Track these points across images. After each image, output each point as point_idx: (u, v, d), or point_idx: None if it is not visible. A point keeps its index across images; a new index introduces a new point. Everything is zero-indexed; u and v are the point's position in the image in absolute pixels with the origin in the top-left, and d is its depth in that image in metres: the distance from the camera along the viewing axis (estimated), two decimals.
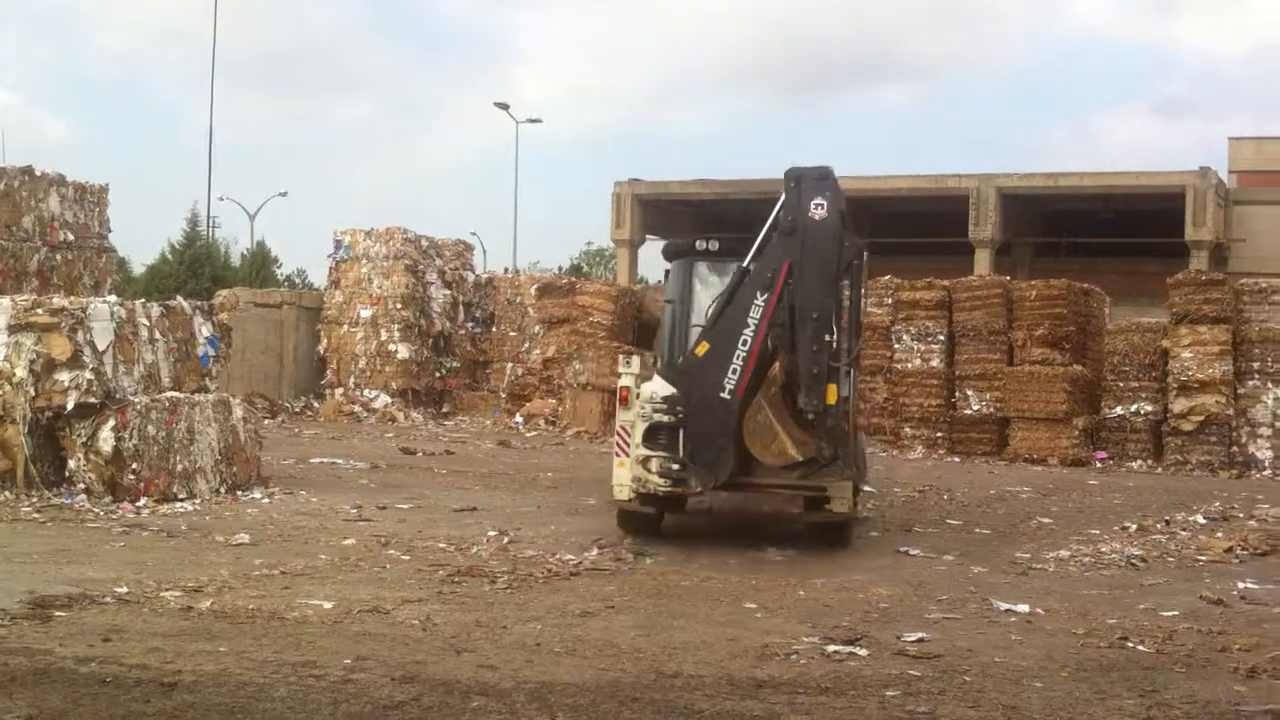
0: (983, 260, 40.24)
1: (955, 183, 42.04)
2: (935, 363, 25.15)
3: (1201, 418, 22.72)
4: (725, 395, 11.55)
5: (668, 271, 13.44)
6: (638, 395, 12.26)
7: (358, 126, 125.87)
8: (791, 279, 11.61)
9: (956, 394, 25.05)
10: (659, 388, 12.09)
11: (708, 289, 12.76)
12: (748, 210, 46.22)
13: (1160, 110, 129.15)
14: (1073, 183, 41.74)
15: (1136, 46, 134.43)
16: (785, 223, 11.86)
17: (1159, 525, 14.51)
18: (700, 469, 11.72)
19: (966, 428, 24.77)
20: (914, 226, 43.53)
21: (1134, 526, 14.31)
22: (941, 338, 25.16)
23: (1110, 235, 41.50)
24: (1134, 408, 23.64)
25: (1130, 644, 8.26)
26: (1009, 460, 23.52)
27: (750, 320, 11.66)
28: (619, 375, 12.97)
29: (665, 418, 11.98)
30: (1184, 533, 14.03)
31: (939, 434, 24.95)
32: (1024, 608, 9.35)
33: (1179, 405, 22.92)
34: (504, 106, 57.73)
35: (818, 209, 11.88)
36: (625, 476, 12.20)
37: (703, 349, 11.90)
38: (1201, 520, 15.12)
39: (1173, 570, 11.60)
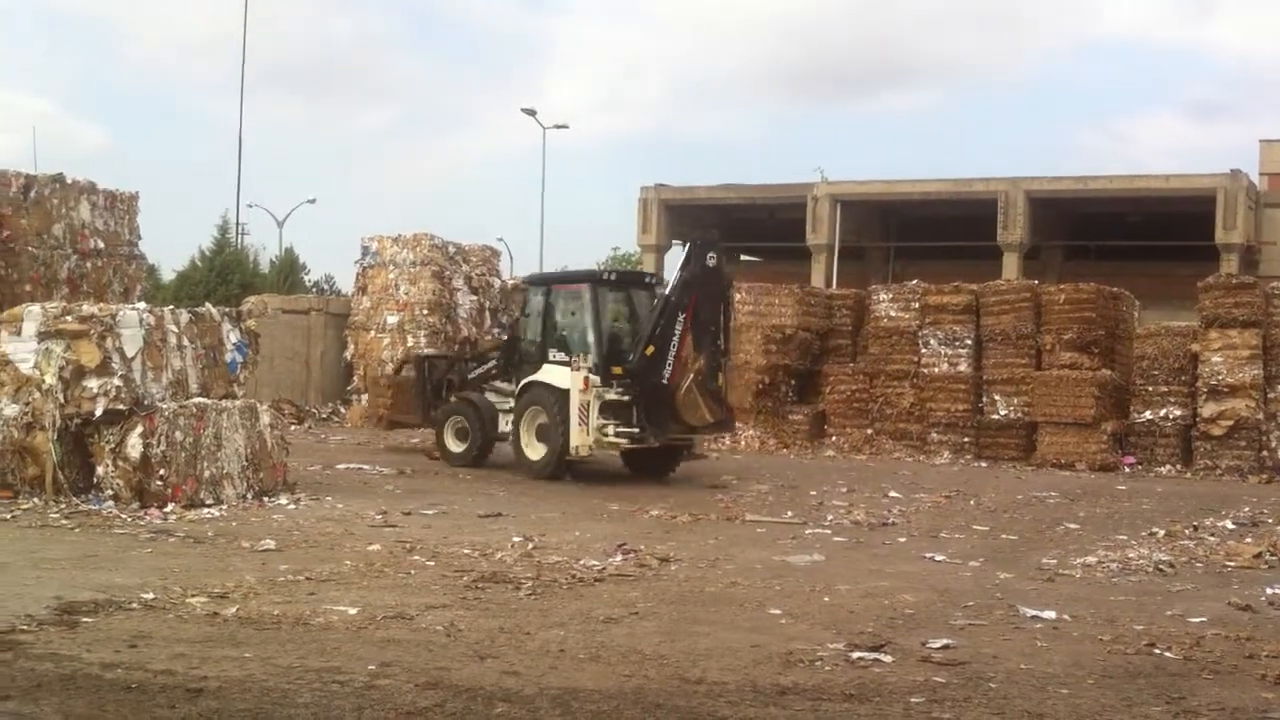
0: (1011, 264, 40.09)
1: (983, 186, 41.89)
2: (963, 367, 25.05)
3: (1231, 422, 22.56)
4: (664, 381, 17.73)
5: (547, 293, 19.00)
6: (594, 384, 17.68)
7: (386, 133, 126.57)
8: (698, 305, 17.79)
9: (984, 399, 24.94)
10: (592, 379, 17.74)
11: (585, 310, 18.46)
12: (774, 214, 46.68)
13: (1192, 112, 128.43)
14: (1102, 186, 41.52)
15: (1168, 48, 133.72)
16: (691, 270, 17.96)
17: (1187, 531, 14.41)
18: (653, 429, 17.96)
19: (994, 433, 24.67)
20: (941, 230, 43.44)
21: (1162, 532, 14.21)
22: (969, 342, 25.06)
23: (1140, 239, 41.27)
24: (1163, 412, 23.49)
25: (1158, 650, 8.21)
26: (1036, 465, 23.40)
27: (675, 331, 17.75)
28: (579, 369, 17.67)
29: (618, 397, 17.86)
30: (1212, 538, 13.92)
31: (966, 439, 24.85)
32: (1050, 614, 9.30)
33: (1208, 410, 22.77)
34: (531, 112, 57.87)
35: (710, 260, 18.09)
36: (582, 438, 17.52)
37: (650, 350, 17.85)
38: (1230, 526, 15.01)
39: (1201, 576, 11.51)
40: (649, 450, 18.36)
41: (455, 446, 19.89)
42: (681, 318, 17.73)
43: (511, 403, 19.17)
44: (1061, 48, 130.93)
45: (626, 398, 17.90)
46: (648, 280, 20.25)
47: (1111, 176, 42.26)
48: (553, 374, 18.18)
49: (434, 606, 8.87)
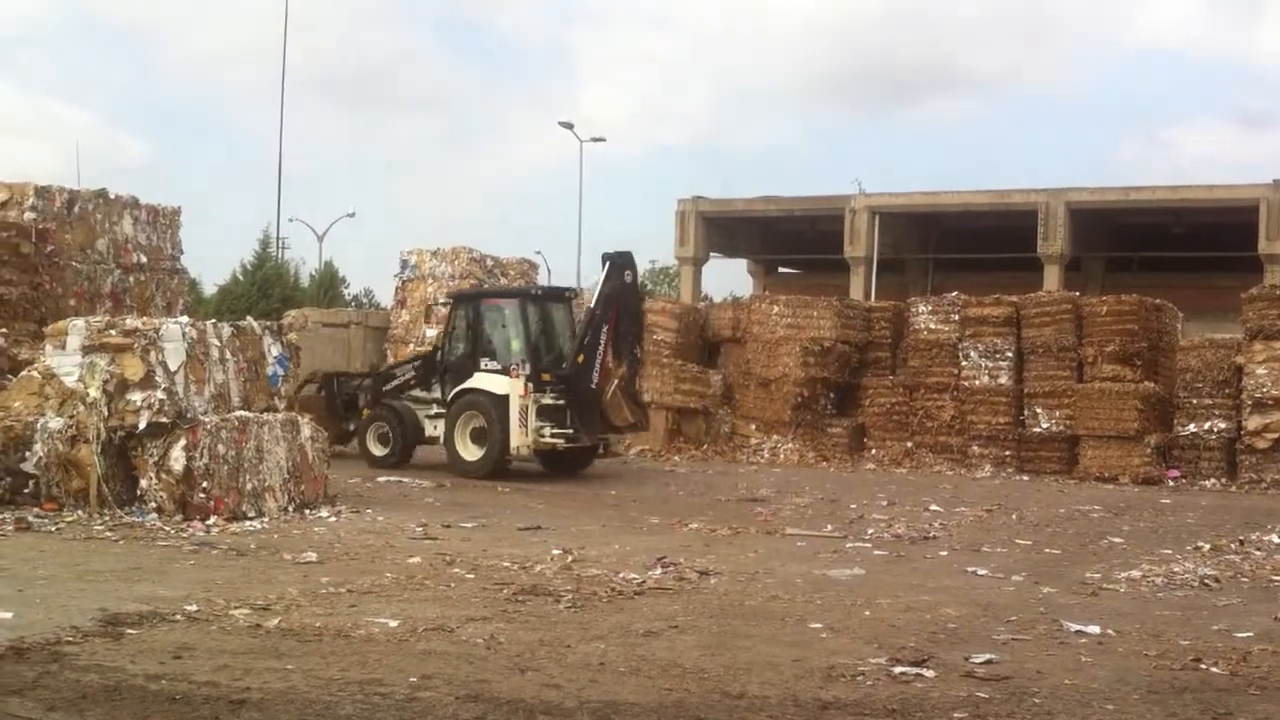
0: (1052, 276, 39.82)
1: (1023, 198, 41.67)
2: (1003, 380, 24.90)
3: (1276, 435, 22.30)
4: (592, 386, 19.94)
5: (476, 308, 21.04)
6: (531, 390, 19.48)
7: (424, 147, 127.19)
8: (618, 317, 20.16)
9: (1025, 412, 24.77)
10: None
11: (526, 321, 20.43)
12: (814, 226, 46.57)
13: (1239, 122, 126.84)
14: (1144, 196, 41.21)
15: (1214, 57, 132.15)
16: (610, 286, 20.19)
17: (1233, 545, 14.24)
18: (585, 430, 20.05)
19: (1036, 446, 24.49)
20: (981, 242, 43.22)
21: (1207, 546, 14.06)
22: (1010, 355, 24.90)
23: (1183, 250, 40.92)
24: (1207, 425, 23.25)
25: (1204, 666, 8.11)
26: (1079, 479, 23.21)
27: (600, 341, 20.00)
28: (518, 376, 19.58)
29: (553, 401, 19.83)
30: (1258, 552, 13.76)
31: (1007, 452, 24.68)
32: (1095, 629, 9.20)
33: (1253, 422, 22.51)
34: (568, 126, 58.11)
35: (628, 276, 20.66)
36: (522, 438, 19.33)
37: (581, 358, 20.00)
38: (1276, 540, 14.80)
39: (1247, 591, 11.37)
40: (567, 450, 20.21)
41: (378, 450, 21.20)
42: (605, 329, 20.09)
43: (432, 409, 20.94)
44: (1108, 55, 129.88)
45: (561, 402, 19.95)
46: (566, 295, 22.04)
47: (1153, 187, 41.93)
48: (488, 381, 19.93)
49: (474, 619, 8.88)
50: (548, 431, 19.69)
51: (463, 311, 21.25)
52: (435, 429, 20.78)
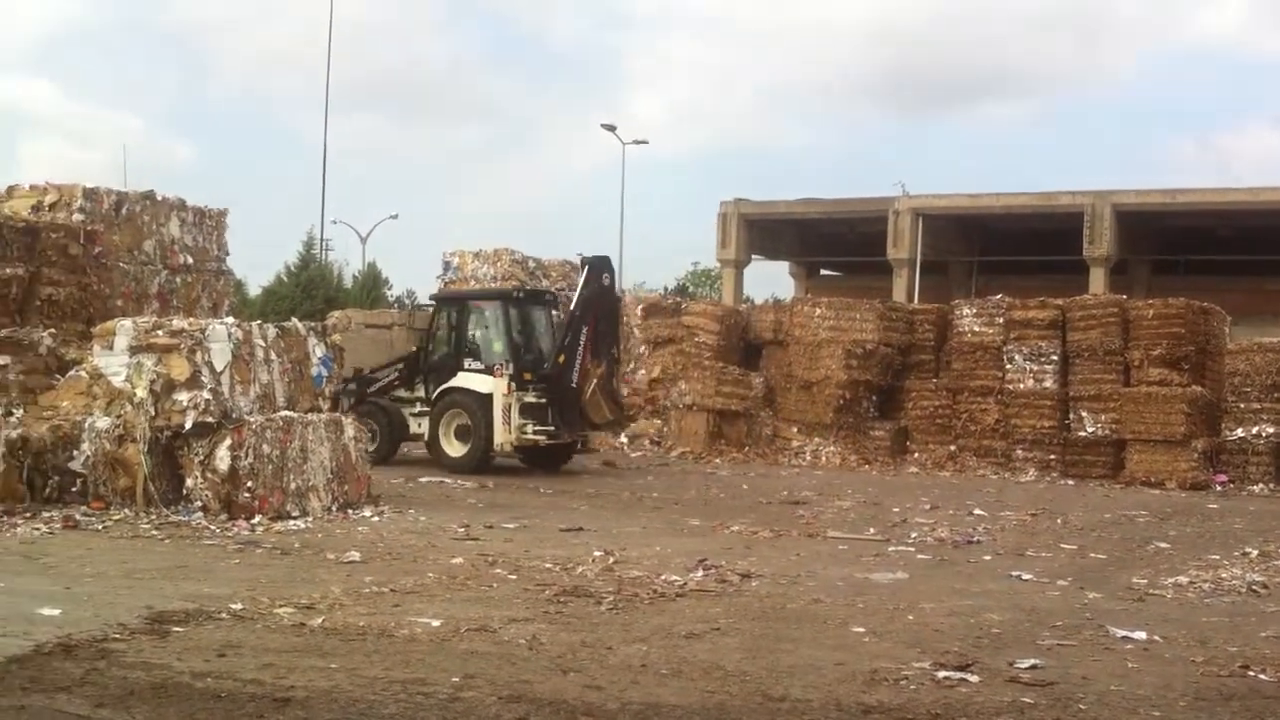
0: (1097, 279, 39.46)
1: (1069, 200, 41.31)
2: (1048, 383, 24.70)
3: None
4: (573, 385, 20.75)
5: (459, 310, 21.89)
6: (514, 389, 20.39)
7: (468, 149, 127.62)
8: (597, 319, 21.12)
9: (1071, 415, 24.56)
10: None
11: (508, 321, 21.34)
12: (854, 228, 46.37)
13: None
14: (1190, 199, 40.75)
15: (1266, 59, 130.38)
16: (590, 288, 21.25)
17: None
18: (566, 427, 20.91)
19: (1081, 450, 24.27)
20: (1025, 245, 42.90)
21: (1255, 552, 13.89)
22: (1055, 358, 24.70)
23: (1230, 253, 40.45)
24: (1255, 430, 22.98)
25: (1251, 673, 8.01)
26: (1125, 483, 22.97)
27: (581, 341, 20.89)
28: (501, 376, 20.45)
29: (536, 399, 20.65)
30: None
31: (1052, 456, 24.48)
32: (1141, 634, 9.11)
33: None
34: (610, 128, 58.06)
35: (606, 280, 21.66)
36: (505, 435, 20.27)
37: (562, 358, 20.87)
38: None
39: None
40: (547, 446, 21.05)
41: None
42: (585, 330, 21.07)
43: (416, 408, 21.66)
44: (1159, 57, 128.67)
45: (543, 400, 20.80)
46: (547, 298, 23.01)
47: (1200, 189, 41.47)
48: (472, 380, 20.83)
49: (516, 620, 8.90)
50: (530, 428, 20.58)
51: (446, 313, 22.17)
52: (419, 426, 21.52)
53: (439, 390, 21.19)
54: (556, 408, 20.95)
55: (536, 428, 20.66)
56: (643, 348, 29.64)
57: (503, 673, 7.36)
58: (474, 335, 21.70)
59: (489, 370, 20.78)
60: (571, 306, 21.79)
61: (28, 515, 13.06)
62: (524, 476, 20.45)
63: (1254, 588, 11.52)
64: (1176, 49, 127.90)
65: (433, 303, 23.95)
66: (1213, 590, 11.41)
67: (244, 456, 13.74)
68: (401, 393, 22.12)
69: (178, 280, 19.40)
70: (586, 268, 22.00)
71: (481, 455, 20.46)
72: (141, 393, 13.81)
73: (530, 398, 20.71)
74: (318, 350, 15.99)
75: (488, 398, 20.46)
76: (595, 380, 21.08)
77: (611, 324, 22.00)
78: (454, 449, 20.80)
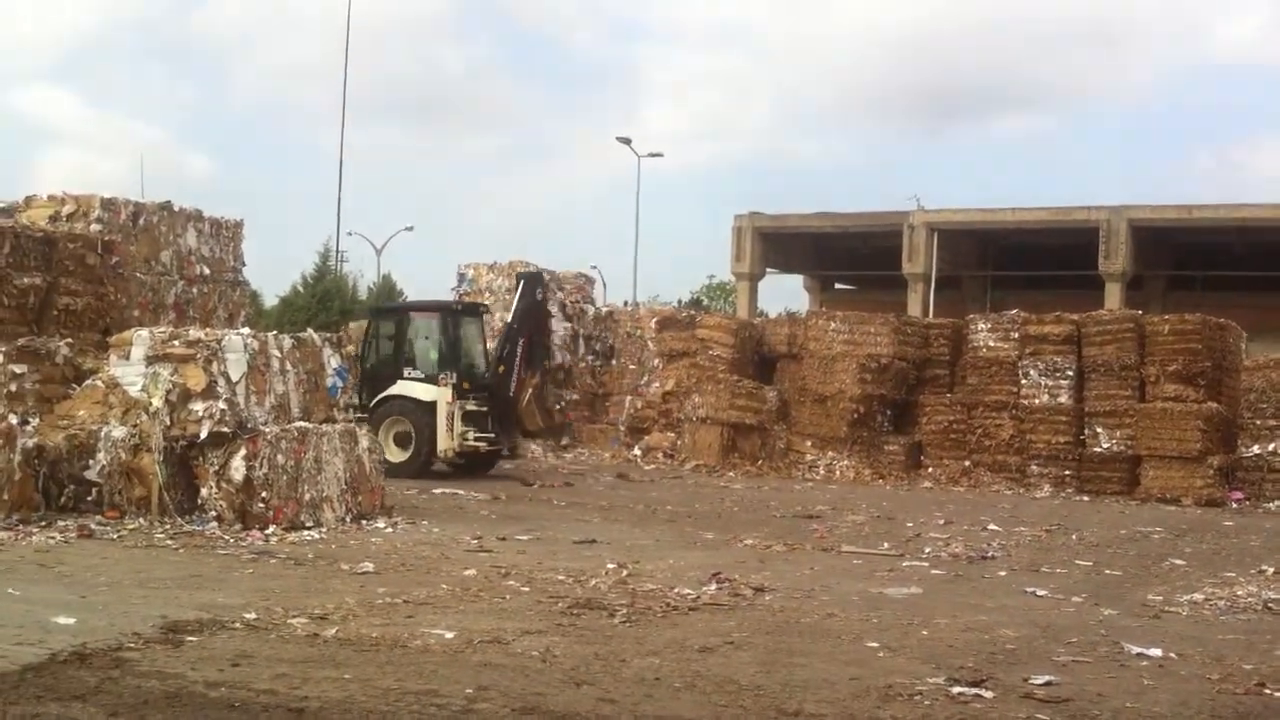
0: (1113, 294, 39.41)
1: (1084, 214, 41.28)
2: (1063, 399, 24.64)
3: None
4: (510, 394, 22.36)
5: (399, 320, 22.77)
6: (457, 398, 21.12)
7: (483, 161, 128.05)
8: (531, 332, 22.98)
9: (1086, 431, 24.49)
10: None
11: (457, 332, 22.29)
12: (869, 242, 46.36)
13: None
14: (1207, 214, 40.69)
15: None
16: (525, 303, 23.14)
17: None
18: (504, 435, 22.29)
19: (1096, 466, 24.19)
20: (1041, 260, 42.85)
21: (1271, 569, 13.80)
22: (1070, 373, 24.64)
23: (1246, 268, 40.34)
24: (1271, 446, 22.89)
25: (1267, 690, 7.96)
26: (1140, 500, 22.90)
27: (517, 353, 22.61)
28: (445, 385, 21.08)
29: (477, 407, 21.59)
30: None
31: (1067, 472, 24.41)
32: (1156, 652, 9.07)
33: None
34: (626, 141, 58.20)
35: (539, 294, 23.79)
36: (448, 442, 20.96)
37: (501, 369, 22.42)
38: None
39: None
40: (474, 452, 21.91)
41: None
42: (521, 342, 22.72)
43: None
44: (1176, 71, 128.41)
45: (484, 408, 21.86)
46: (480, 310, 24.02)
47: (1216, 205, 41.41)
48: (413, 389, 21.55)
49: (529, 632, 8.90)
50: (471, 435, 21.46)
51: (385, 323, 23.03)
52: None
53: (378, 398, 21.60)
54: (495, 416, 22.11)
55: (477, 434, 21.54)
56: (656, 361, 29.61)
57: (516, 685, 7.36)
58: (415, 345, 22.39)
59: (430, 379, 21.44)
60: (510, 319, 23.35)
61: (43, 524, 13.11)
62: (505, 484, 20.45)
63: (1270, 605, 11.45)
64: (1193, 63, 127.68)
65: (369, 314, 25.29)
66: (1228, 608, 11.35)
67: (259, 467, 13.76)
68: None
69: (194, 291, 19.48)
70: (522, 283, 23.68)
71: (424, 461, 21.07)
72: (157, 402, 13.85)
73: (471, 406, 21.58)
74: (333, 361, 16.04)
75: (431, 405, 21.11)
76: (530, 390, 22.78)
77: (542, 337, 23.80)
78: (394, 455, 20.81)
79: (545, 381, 23.63)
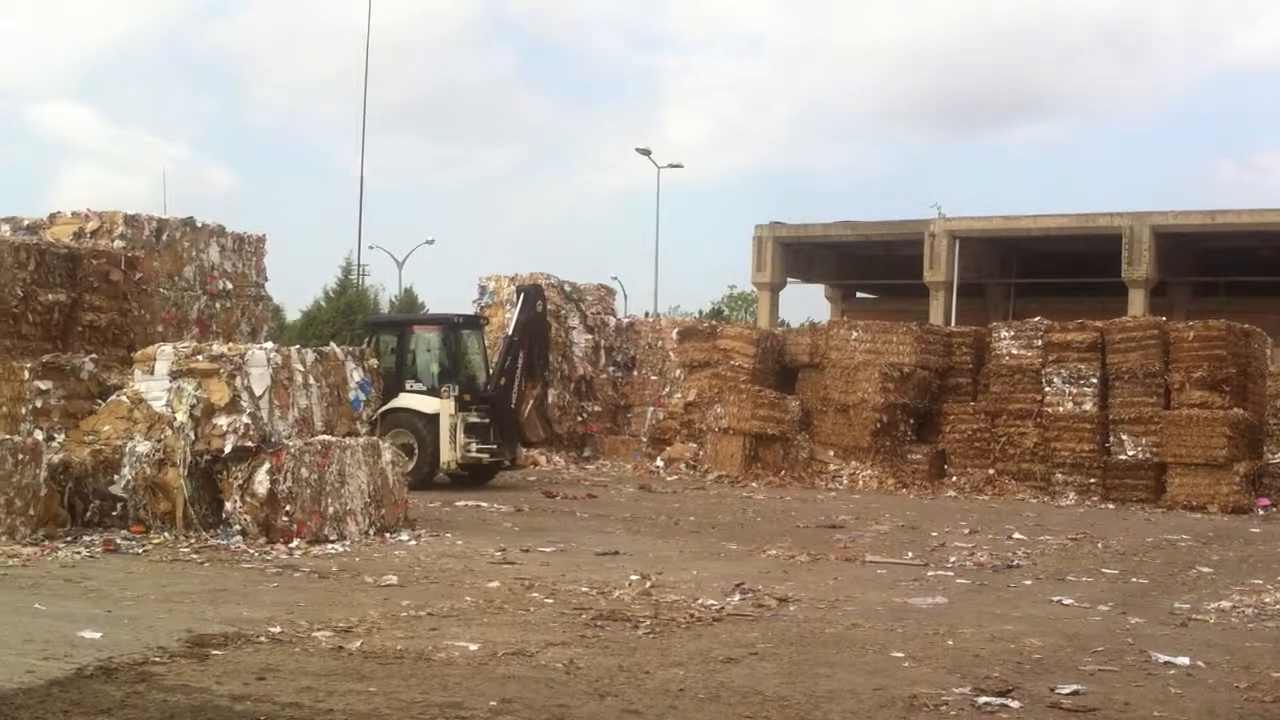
0: (1137, 301, 39.27)
1: (1107, 221, 41.15)
2: (1088, 406, 24.53)
3: None
4: (511, 406, 22.54)
5: (401, 334, 23.00)
6: (459, 410, 21.50)
7: (504, 173, 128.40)
8: (531, 344, 23.02)
9: (1111, 439, 24.38)
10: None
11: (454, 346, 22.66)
12: (890, 251, 46.31)
13: None
14: (1230, 220, 40.52)
15: None
16: (525, 315, 23.10)
17: None
18: (506, 447, 22.59)
19: (1121, 473, 24.09)
20: (1063, 266, 42.74)
21: None
22: (1094, 380, 24.54)
23: (1271, 274, 40.14)
24: None
25: None
26: (1166, 507, 22.78)
27: (518, 365, 22.72)
28: (448, 397, 21.43)
29: (479, 419, 21.94)
30: None
31: (1092, 480, 24.30)
32: (1184, 660, 9.00)
33: None
34: (645, 152, 58.22)
35: (539, 307, 23.67)
36: (451, 454, 21.25)
37: (502, 381, 22.57)
38: None
39: None
40: (476, 463, 22.15)
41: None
42: (522, 354, 22.85)
43: None
44: (1197, 79, 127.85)
45: (485, 420, 22.16)
46: (480, 323, 24.35)
47: (1240, 210, 41.23)
48: (416, 401, 21.83)
49: (553, 644, 8.89)
50: (474, 447, 21.80)
51: (386, 337, 23.12)
52: None
53: (381, 410, 21.08)
54: (496, 427, 22.38)
55: (480, 446, 21.89)
56: (678, 371, 29.62)
57: (540, 697, 7.35)
58: (418, 358, 22.65)
59: (432, 391, 21.76)
60: (509, 331, 23.43)
61: (69, 539, 13.19)
62: (529, 496, 20.46)
63: None
64: (1215, 69, 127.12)
65: (366, 327, 25.56)
66: (1256, 615, 11.27)
67: (282, 480, 13.80)
68: None
69: (217, 306, 19.53)
70: (522, 295, 23.78)
71: (427, 473, 21.13)
72: (181, 417, 13.91)
73: (474, 417, 21.93)
74: (355, 374, 16.09)
75: (434, 417, 21.40)
76: (531, 401, 22.99)
77: (543, 349, 23.85)
78: None
79: (546, 392, 23.82)
